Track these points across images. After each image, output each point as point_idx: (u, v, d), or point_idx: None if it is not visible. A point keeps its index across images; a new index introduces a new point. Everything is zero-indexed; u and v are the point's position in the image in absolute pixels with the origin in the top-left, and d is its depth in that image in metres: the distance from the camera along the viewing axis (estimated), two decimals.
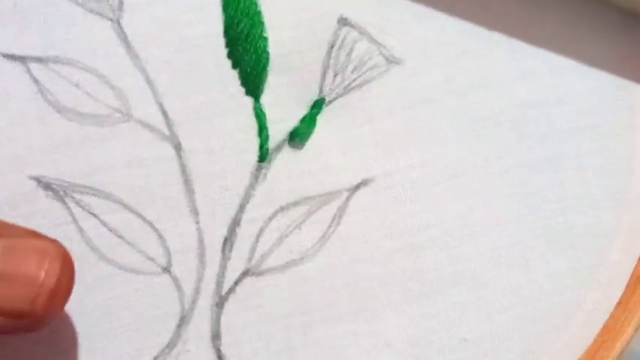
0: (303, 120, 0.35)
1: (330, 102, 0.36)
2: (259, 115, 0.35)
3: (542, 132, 0.36)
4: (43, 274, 0.29)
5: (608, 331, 0.35)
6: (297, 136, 0.35)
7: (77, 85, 0.35)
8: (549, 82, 0.36)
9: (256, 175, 0.35)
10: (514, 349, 0.35)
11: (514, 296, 0.35)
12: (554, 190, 0.36)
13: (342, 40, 0.36)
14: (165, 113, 0.35)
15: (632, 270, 0.36)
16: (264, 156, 0.35)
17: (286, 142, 0.35)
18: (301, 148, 0.35)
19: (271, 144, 0.35)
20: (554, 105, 0.36)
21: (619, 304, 0.36)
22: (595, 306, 0.36)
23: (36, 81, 0.35)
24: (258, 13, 0.36)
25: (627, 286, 0.36)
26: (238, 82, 0.35)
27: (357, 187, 0.36)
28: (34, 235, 0.30)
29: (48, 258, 0.30)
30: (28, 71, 0.35)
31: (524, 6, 0.37)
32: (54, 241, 0.30)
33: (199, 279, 0.35)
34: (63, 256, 0.30)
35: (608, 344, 0.35)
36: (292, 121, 0.35)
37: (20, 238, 0.30)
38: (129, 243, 0.35)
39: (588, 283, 0.36)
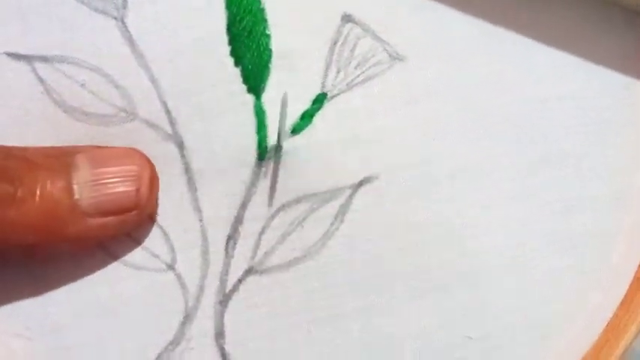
0: (303, 115, 0.35)
1: (333, 98, 0.35)
2: (259, 114, 0.35)
3: (545, 130, 0.36)
4: (136, 167, 0.33)
5: (612, 330, 0.35)
6: (298, 132, 0.35)
7: (83, 85, 0.35)
8: (552, 80, 0.36)
9: (257, 173, 0.35)
10: (518, 348, 0.35)
11: (517, 296, 0.35)
12: (556, 189, 0.36)
13: (346, 37, 0.36)
14: (169, 112, 0.35)
15: (634, 270, 0.36)
16: (264, 154, 0.35)
17: (288, 139, 0.35)
18: (303, 143, 0.35)
19: (272, 141, 0.35)
20: (557, 102, 0.36)
21: (622, 303, 0.35)
22: (598, 306, 0.35)
23: (41, 80, 0.35)
24: (261, 10, 0.35)
25: (630, 286, 0.36)
26: (240, 79, 0.35)
27: (360, 184, 0.35)
28: (105, 147, 0.34)
29: (132, 155, 0.34)
30: (34, 70, 0.35)
31: (528, 3, 0.36)
32: (129, 148, 0.34)
33: (203, 276, 0.35)
34: (141, 153, 0.34)
35: (612, 343, 0.35)
36: (295, 118, 0.35)
37: (99, 150, 0.34)
38: (133, 240, 0.35)
39: (591, 283, 0.36)
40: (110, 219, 0.33)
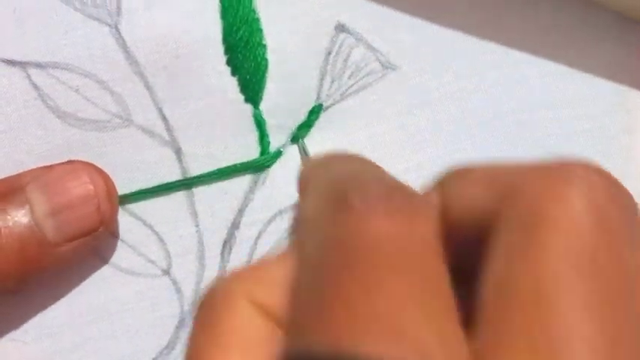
0: (301, 127, 0.36)
1: (328, 108, 0.36)
2: (260, 122, 0.36)
3: (538, 137, 0.37)
4: (90, 185, 0.33)
5: None
6: (296, 142, 0.36)
7: (77, 91, 0.35)
8: (544, 87, 0.37)
9: (255, 180, 0.36)
10: None
11: None
12: None
13: (339, 47, 0.36)
14: (165, 119, 0.35)
15: None
16: (264, 162, 0.36)
17: (285, 148, 0.36)
18: (301, 153, 0.36)
19: (270, 150, 0.36)
20: (549, 110, 0.37)
21: None
22: None
23: (36, 86, 0.35)
24: (257, 20, 0.36)
25: None
26: (238, 88, 0.36)
27: None
28: (52, 166, 0.34)
29: (81, 170, 0.33)
30: (28, 77, 0.35)
31: (519, 11, 0.37)
32: (72, 160, 0.34)
33: (199, 282, 0.35)
34: (88, 164, 0.34)
35: None
36: (290, 128, 0.36)
37: (48, 173, 0.33)
38: (129, 246, 0.35)
39: None
40: (78, 241, 0.33)
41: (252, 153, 0.36)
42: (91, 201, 0.33)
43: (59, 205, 0.32)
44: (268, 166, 0.36)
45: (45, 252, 0.32)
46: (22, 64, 0.35)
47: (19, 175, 0.33)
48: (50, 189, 0.33)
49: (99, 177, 0.34)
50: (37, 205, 0.32)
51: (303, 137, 0.36)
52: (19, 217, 0.32)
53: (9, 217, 0.32)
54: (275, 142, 0.36)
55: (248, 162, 0.36)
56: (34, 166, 0.35)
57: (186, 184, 0.35)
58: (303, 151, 0.36)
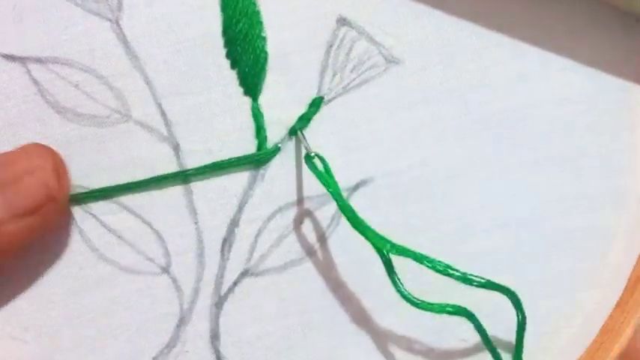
0: (300, 118, 0.35)
1: (329, 101, 0.36)
2: (257, 116, 0.35)
3: (542, 132, 0.36)
4: (37, 161, 0.32)
5: (607, 332, 0.35)
6: (295, 135, 0.35)
7: (77, 86, 0.35)
8: (549, 83, 0.36)
9: (255, 176, 0.35)
10: (513, 349, 0.35)
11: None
12: (553, 191, 0.36)
13: (341, 40, 0.36)
14: (164, 114, 0.35)
15: (630, 271, 0.36)
16: (262, 156, 0.35)
17: (284, 143, 0.35)
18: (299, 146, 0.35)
19: (269, 144, 0.35)
20: (553, 105, 0.36)
21: (618, 305, 0.36)
22: (594, 307, 0.36)
23: (35, 82, 0.35)
24: (257, 13, 0.35)
25: (626, 288, 0.36)
26: (237, 81, 0.35)
27: (356, 187, 0.35)
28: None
29: (30, 150, 0.33)
30: (28, 72, 0.35)
31: (524, 6, 0.36)
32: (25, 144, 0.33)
33: (198, 279, 0.35)
34: (37, 144, 0.33)
35: (607, 345, 0.35)
36: (291, 120, 0.35)
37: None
38: (128, 243, 0.35)
39: (587, 283, 0.36)
40: (25, 221, 0.32)
41: (250, 147, 0.35)
42: (37, 175, 0.32)
43: (4, 180, 0.32)
44: (265, 162, 0.35)
45: None
46: (22, 60, 0.35)
47: None
48: None
49: (46, 154, 0.33)
50: None
51: (301, 129, 0.35)
52: None
53: None
54: (274, 136, 0.35)
55: (244, 156, 0.35)
56: None
57: (182, 177, 0.35)
58: (303, 141, 0.35)
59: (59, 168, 0.33)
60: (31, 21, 0.35)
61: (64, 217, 0.34)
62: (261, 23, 0.35)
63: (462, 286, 0.34)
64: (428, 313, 0.35)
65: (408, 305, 0.34)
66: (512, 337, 0.35)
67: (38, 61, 0.35)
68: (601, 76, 0.36)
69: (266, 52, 0.35)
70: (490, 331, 0.34)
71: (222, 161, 0.35)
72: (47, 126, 0.35)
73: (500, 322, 0.35)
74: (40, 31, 0.35)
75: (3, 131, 0.35)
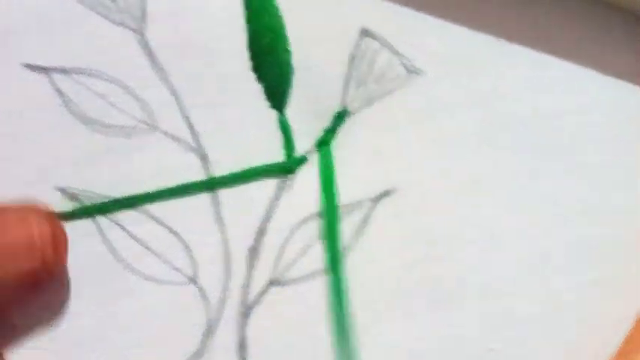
0: (327, 132, 0.36)
1: (354, 113, 0.36)
2: (285, 128, 0.35)
3: (565, 142, 0.37)
4: (35, 229, 0.32)
5: (632, 341, 0.36)
6: (322, 147, 0.36)
7: (102, 97, 0.35)
8: (571, 93, 0.37)
9: (281, 186, 0.36)
10: (540, 359, 0.36)
11: (539, 306, 0.36)
12: (576, 200, 0.36)
13: (364, 52, 0.36)
14: (191, 125, 0.35)
15: None
16: (290, 168, 0.35)
17: (310, 154, 0.36)
18: (326, 158, 0.36)
19: (296, 155, 0.36)
20: (576, 115, 0.37)
21: None
22: (618, 317, 0.36)
23: (60, 92, 0.35)
24: (282, 27, 0.36)
25: None
26: (263, 95, 0.36)
27: (381, 197, 0.36)
28: (5, 206, 0.32)
29: (30, 215, 0.32)
30: (52, 82, 0.35)
31: (544, 17, 0.37)
32: (23, 205, 0.33)
33: (225, 289, 0.35)
34: (37, 208, 0.33)
35: (633, 355, 0.35)
36: (316, 133, 0.36)
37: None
38: (155, 254, 0.35)
39: (612, 293, 0.36)
40: (22, 289, 0.32)
41: (278, 159, 0.36)
42: (32, 245, 0.31)
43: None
44: (293, 172, 0.36)
45: None
46: (46, 70, 0.35)
47: None
48: None
49: (45, 222, 0.32)
50: None
51: (328, 143, 0.36)
52: None
53: None
54: (300, 148, 0.36)
55: (272, 164, 0.35)
56: (57, 173, 0.35)
57: (209, 185, 0.35)
58: (326, 157, 0.35)
59: (58, 237, 0.32)
60: (55, 31, 0.35)
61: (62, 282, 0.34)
62: (286, 37, 0.36)
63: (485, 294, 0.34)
64: (453, 323, 0.35)
65: (434, 315, 0.35)
66: None
67: (63, 71, 0.35)
68: (625, 86, 0.37)
69: (291, 66, 0.36)
70: None
71: (250, 169, 0.35)
72: (73, 137, 0.35)
73: None
74: (65, 42, 0.35)
75: (29, 142, 0.35)
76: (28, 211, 0.32)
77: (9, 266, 0.31)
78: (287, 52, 0.36)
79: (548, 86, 0.37)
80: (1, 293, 0.31)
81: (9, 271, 0.31)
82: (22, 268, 0.31)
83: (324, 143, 0.36)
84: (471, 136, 0.36)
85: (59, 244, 0.33)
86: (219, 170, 0.35)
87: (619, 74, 0.37)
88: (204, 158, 0.35)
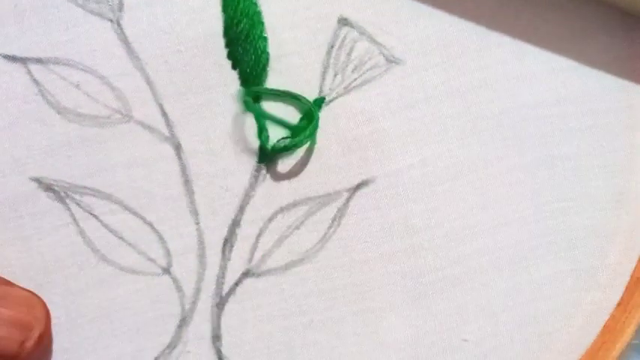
0: (302, 119, 0.35)
1: (331, 102, 0.36)
2: (259, 116, 0.35)
3: (543, 132, 0.36)
4: (32, 320, 0.32)
5: (609, 331, 0.35)
6: (297, 136, 0.35)
7: (77, 86, 0.35)
8: (549, 83, 0.36)
9: (256, 176, 0.35)
10: (514, 349, 0.35)
11: (514, 297, 0.35)
12: (554, 191, 0.36)
13: (342, 40, 0.36)
14: (165, 114, 0.35)
15: (631, 271, 0.36)
16: (263, 156, 0.35)
17: (286, 143, 0.35)
18: (300, 147, 0.35)
19: (271, 144, 0.35)
20: (554, 106, 0.36)
21: (619, 304, 0.36)
22: (595, 307, 0.36)
23: (36, 82, 0.35)
24: (258, 14, 0.35)
25: (627, 287, 0.36)
26: (238, 82, 0.35)
27: (358, 187, 0.35)
28: (14, 288, 0.33)
29: (36, 306, 0.32)
30: (29, 72, 0.35)
31: (524, 6, 0.36)
32: (35, 294, 0.33)
33: (200, 280, 0.35)
34: (46, 307, 0.33)
35: (609, 345, 0.35)
36: (292, 121, 0.35)
37: (9, 287, 0.33)
38: (129, 244, 0.35)
39: (588, 283, 0.36)
40: None
41: (252, 147, 0.35)
42: (21, 330, 0.32)
43: None
44: (268, 162, 0.35)
45: None
46: (22, 60, 0.35)
47: None
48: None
49: (43, 317, 0.33)
50: None
51: (302, 131, 0.35)
52: None
53: None
54: (276, 136, 0.35)
55: (247, 157, 0.35)
56: (33, 162, 0.35)
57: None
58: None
59: (43, 339, 0.33)
60: (32, 21, 0.35)
61: None
62: (262, 24, 0.35)
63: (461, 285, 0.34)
64: (428, 314, 0.35)
65: (410, 306, 0.35)
66: None
67: (39, 61, 0.35)
68: (602, 76, 0.36)
69: (267, 53, 0.35)
70: None
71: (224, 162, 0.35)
72: (48, 126, 0.35)
73: None
74: (41, 32, 0.35)
75: (4, 132, 0.35)
76: (37, 299, 0.33)
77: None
78: (263, 39, 0.35)
79: (526, 77, 0.36)
80: None
81: None
82: (4, 345, 0.32)
83: (299, 131, 0.35)
84: (449, 126, 0.36)
85: (41, 344, 0.33)
86: (193, 160, 0.35)
87: (597, 65, 0.36)
88: (177, 147, 0.35)
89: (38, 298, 0.33)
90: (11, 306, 0.32)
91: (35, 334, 0.32)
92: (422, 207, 0.36)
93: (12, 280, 0.34)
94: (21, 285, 0.34)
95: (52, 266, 0.35)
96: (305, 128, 0.35)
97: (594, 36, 0.37)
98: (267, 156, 0.35)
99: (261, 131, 0.35)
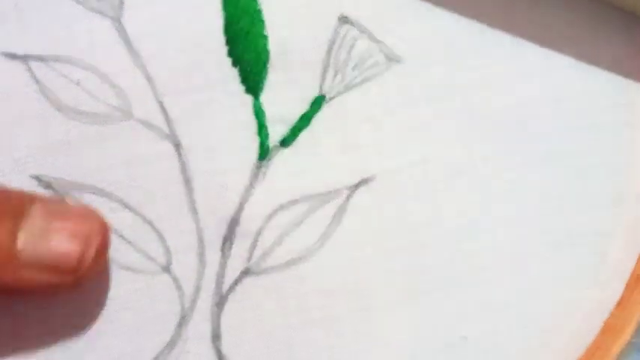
0: (302, 117, 0.35)
1: (331, 100, 0.36)
2: (259, 113, 0.35)
3: (542, 131, 0.36)
4: (88, 230, 0.32)
5: (608, 330, 0.35)
6: (297, 134, 0.35)
7: (78, 84, 0.35)
8: (549, 81, 0.36)
9: (256, 174, 0.35)
10: (514, 347, 0.35)
11: (514, 294, 0.35)
12: (553, 188, 0.36)
13: (343, 38, 0.36)
14: (165, 112, 0.35)
15: (631, 269, 0.36)
16: (263, 154, 0.35)
17: (286, 140, 0.35)
18: (301, 145, 0.35)
19: (271, 142, 0.35)
20: (553, 104, 0.36)
21: (618, 303, 0.36)
22: (594, 305, 0.36)
23: (37, 80, 0.35)
24: (258, 12, 0.35)
25: (627, 285, 0.36)
26: (238, 80, 0.35)
27: (358, 185, 0.35)
28: (69, 205, 0.33)
29: (90, 216, 0.32)
30: (29, 70, 0.35)
31: (524, 5, 0.36)
32: (91, 208, 0.33)
33: (199, 278, 0.35)
34: (103, 219, 0.33)
35: (608, 343, 0.35)
36: (292, 119, 0.35)
37: (58, 203, 0.33)
38: (129, 242, 0.35)
39: (588, 282, 0.36)
40: (44, 276, 0.31)
41: (252, 146, 0.35)
42: (80, 242, 0.32)
43: (49, 230, 0.31)
44: (267, 159, 0.35)
45: (10, 266, 0.31)
46: (23, 58, 0.35)
47: (32, 194, 0.33)
48: (51, 214, 0.32)
49: (101, 228, 0.32)
50: (31, 219, 0.31)
51: (301, 127, 0.35)
52: (10, 221, 0.31)
53: (1, 216, 0.31)
54: (276, 134, 0.35)
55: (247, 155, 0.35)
56: (32, 160, 0.34)
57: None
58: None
59: (102, 249, 0.32)
60: (33, 19, 0.35)
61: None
62: (262, 22, 0.36)
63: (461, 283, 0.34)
64: (428, 311, 0.35)
65: (410, 304, 0.35)
66: None
67: (40, 59, 0.35)
68: (601, 74, 0.36)
69: (267, 51, 0.35)
70: None
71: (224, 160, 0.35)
72: (49, 124, 0.35)
73: None
74: (42, 29, 0.35)
75: (4, 130, 0.35)
76: (92, 211, 0.33)
77: (46, 256, 0.31)
78: (263, 37, 0.35)
79: (526, 75, 0.36)
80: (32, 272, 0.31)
81: (43, 260, 0.31)
82: (57, 262, 0.31)
83: (299, 129, 0.35)
84: (449, 124, 0.36)
85: (101, 254, 0.33)
86: (193, 157, 0.35)
87: (597, 63, 0.36)
88: (177, 145, 0.35)
89: (94, 211, 0.33)
90: (66, 218, 0.32)
91: (93, 245, 0.32)
92: (422, 205, 0.36)
93: None
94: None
95: None
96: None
97: (594, 34, 0.37)
98: (266, 153, 0.35)
99: (261, 128, 0.35)
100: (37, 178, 0.35)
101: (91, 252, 0.32)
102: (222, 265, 0.35)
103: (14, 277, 0.31)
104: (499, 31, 0.36)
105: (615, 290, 0.36)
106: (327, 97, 0.36)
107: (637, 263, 0.36)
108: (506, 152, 0.36)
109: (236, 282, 0.35)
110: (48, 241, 0.31)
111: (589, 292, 0.36)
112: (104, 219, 0.33)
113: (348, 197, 0.35)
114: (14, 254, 0.31)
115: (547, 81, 0.36)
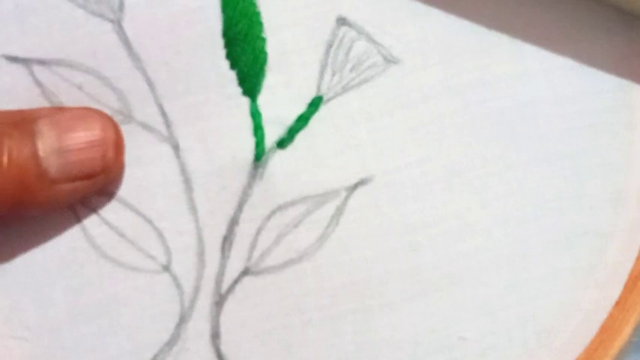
0: (299, 118, 0.36)
1: (328, 101, 0.36)
2: (255, 115, 0.35)
3: (541, 131, 0.36)
4: (100, 132, 0.33)
5: (607, 330, 0.35)
6: (295, 134, 0.35)
7: (80, 88, 0.35)
8: (548, 82, 0.36)
9: (254, 174, 0.35)
10: (512, 347, 0.35)
11: (512, 295, 0.35)
12: (552, 189, 0.36)
13: (341, 40, 0.36)
14: (164, 114, 0.35)
15: (630, 269, 0.36)
16: (260, 155, 0.35)
17: (284, 141, 0.35)
18: (299, 146, 0.35)
19: (268, 143, 0.35)
20: (552, 104, 0.36)
21: (617, 303, 0.35)
22: (593, 305, 0.36)
23: (39, 83, 0.35)
24: (257, 14, 0.36)
25: (625, 286, 0.36)
26: (236, 82, 0.36)
27: (356, 186, 0.36)
28: (66, 108, 0.34)
29: (93, 117, 0.34)
30: (32, 74, 0.35)
31: (522, 5, 0.36)
32: (88, 108, 0.35)
33: (199, 277, 0.35)
34: (102, 112, 0.34)
35: (607, 344, 0.35)
36: (290, 120, 0.36)
37: (61, 113, 0.34)
38: (129, 241, 0.35)
39: (586, 282, 0.36)
40: (78, 184, 0.33)
41: (249, 147, 0.35)
42: (98, 147, 0.33)
43: (66, 145, 0.33)
44: (264, 160, 0.35)
45: (42, 186, 0.32)
46: (25, 61, 0.35)
47: (33, 109, 0.34)
48: (61, 127, 0.33)
49: (110, 126, 0.34)
50: (45, 139, 0.33)
51: (299, 128, 0.35)
52: (25, 145, 0.32)
53: (15, 143, 0.32)
54: (273, 135, 0.36)
55: (244, 156, 0.35)
56: None
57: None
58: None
59: (119, 142, 0.34)
60: (34, 22, 0.35)
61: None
62: (261, 24, 0.36)
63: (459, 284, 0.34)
64: (426, 312, 0.35)
65: (408, 304, 0.35)
66: None
67: (41, 62, 0.35)
68: (600, 75, 0.36)
69: (265, 53, 0.36)
70: None
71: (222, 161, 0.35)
72: None
73: None
74: (43, 33, 0.35)
75: None
76: (92, 110, 0.34)
77: (76, 165, 0.33)
78: (261, 39, 0.36)
79: (525, 75, 0.36)
80: (65, 184, 0.33)
81: (73, 169, 0.33)
82: (85, 166, 0.33)
83: (296, 130, 0.35)
84: (448, 126, 0.36)
85: (119, 147, 0.34)
86: (191, 159, 0.35)
87: (596, 64, 0.36)
88: (176, 148, 0.35)
89: (91, 110, 0.34)
90: (75, 127, 0.33)
91: (110, 142, 0.34)
92: (420, 205, 0.36)
93: (12, 278, 0.34)
94: (21, 281, 0.34)
95: (53, 263, 0.35)
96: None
97: (593, 35, 0.37)
98: (264, 154, 0.35)
99: (257, 129, 0.35)
100: None
101: (111, 148, 0.34)
102: (222, 265, 0.35)
103: (50, 196, 0.33)
104: (497, 31, 0.36)
105: (614, 290, 0.36)
106: (325, 98, 0.36)
107: (635, 264, 0.36)
108: (504, 153, 0.36)
109: (235, 281, 0.35)
110: (69, 153, 0.33)
111: (587, 292, 0.36)
112: (104, 113, 0.34)
113: (347, 198, 0.36)
114: (43, 175, 0.32)
115: (545, 82, 0.36)
